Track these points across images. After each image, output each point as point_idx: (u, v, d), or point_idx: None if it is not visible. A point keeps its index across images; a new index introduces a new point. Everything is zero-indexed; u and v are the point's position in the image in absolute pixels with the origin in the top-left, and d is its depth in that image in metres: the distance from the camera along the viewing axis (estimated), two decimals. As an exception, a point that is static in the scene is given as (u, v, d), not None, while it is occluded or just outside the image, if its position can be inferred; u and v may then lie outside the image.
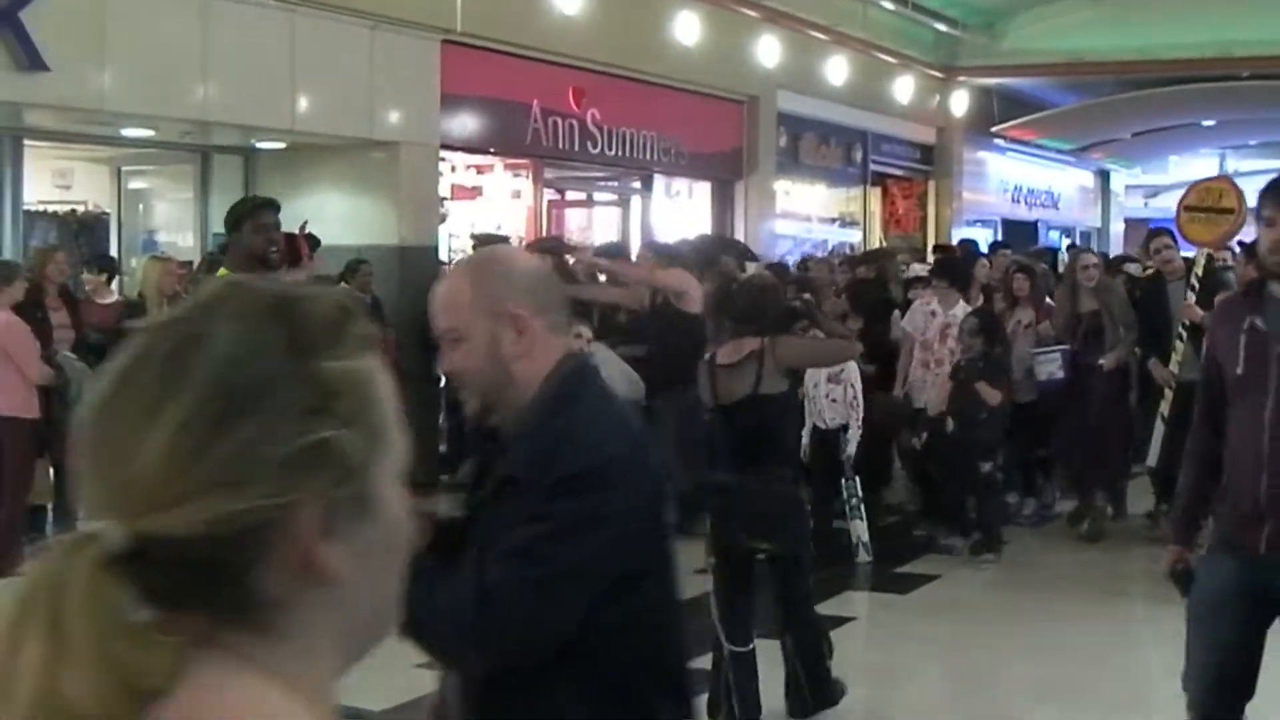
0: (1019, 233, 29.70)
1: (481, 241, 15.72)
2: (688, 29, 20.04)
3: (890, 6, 24.40)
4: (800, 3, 22.27)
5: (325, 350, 1.42)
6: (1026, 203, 32.98)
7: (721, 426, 8.74)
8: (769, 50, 21.85)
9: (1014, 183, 32.43)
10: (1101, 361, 13.80)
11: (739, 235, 21.87)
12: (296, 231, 14.76)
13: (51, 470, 12.45)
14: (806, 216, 25.59)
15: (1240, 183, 15.19)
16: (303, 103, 15.08)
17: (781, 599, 8.63)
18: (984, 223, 30.53)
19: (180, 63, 13.86)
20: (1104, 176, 37.59)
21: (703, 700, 8.43)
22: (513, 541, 3.45)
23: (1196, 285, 13.01)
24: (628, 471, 3.55)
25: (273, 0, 14.48)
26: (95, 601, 1.30)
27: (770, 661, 8.53)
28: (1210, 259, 13.57)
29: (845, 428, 12.81)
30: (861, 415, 12.76)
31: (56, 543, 1.33)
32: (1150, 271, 15.02)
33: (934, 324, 14.02)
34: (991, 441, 12.98)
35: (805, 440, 12.73)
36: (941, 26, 26.53)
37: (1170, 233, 14.19)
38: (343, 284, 14.83)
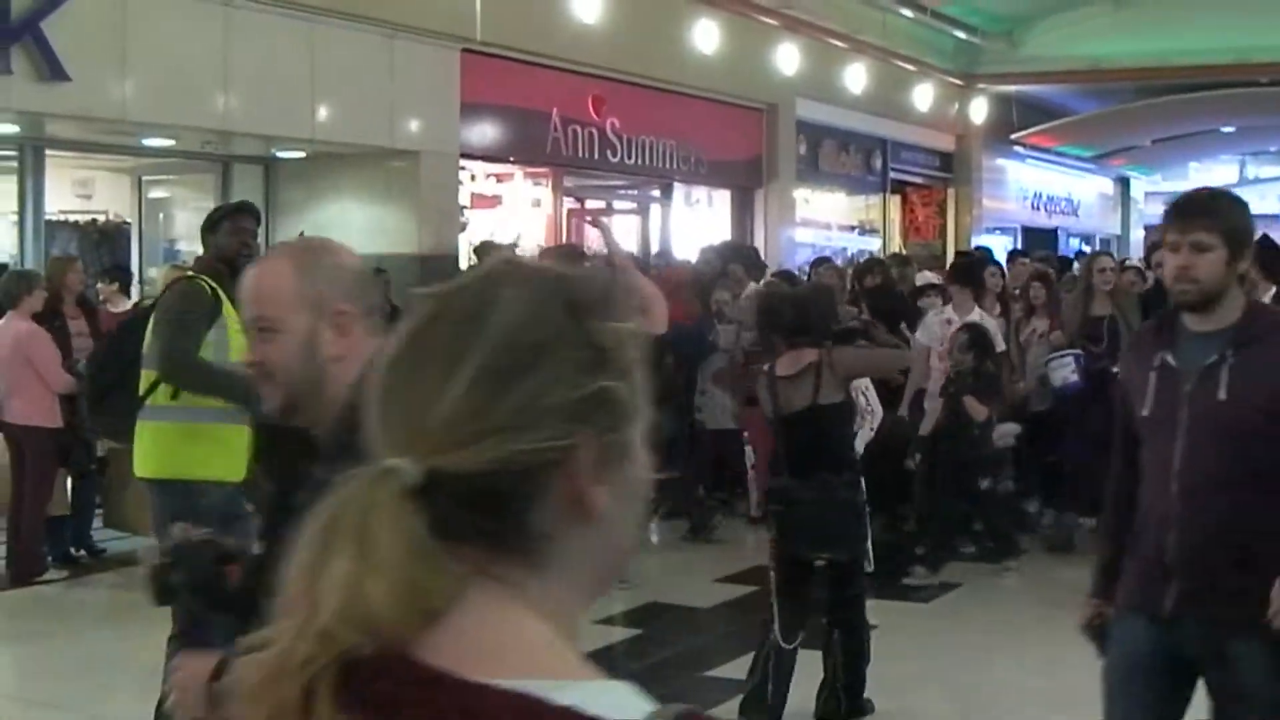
0: (1039, 240, 29.66)
1: (483, 250, 15.75)
2: (707, 37, 20.05)
3: (909, 14, 24.40)
4: (819, 11, 22.29)
5: (599, 313, 1.59)
6: (1046, 210, 32.94)
7: (782, 437, 8.81)
8: (788, 58, 21.85)
9: (1033, 190, 32.40)
10: (1116, 369, 13.60)
11: (759, 243, 21.87)
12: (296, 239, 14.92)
13: (70, 480, 12.51)
14: (826, 224, 25.61)
15: (1261, 189, 15.11)
16: (323, 112, 15.12)
17: (834, 600, 8.68)
18: (1003, 230, 30.49)
19: (201, 72, 13.91)
20: (1124, 183, 37.55)
21: (735, 700, 8.51)
22: None
23: None
24: None
25: (293, 10, 14.52)
26: (397, 525, 1.46)
27: (803, 672, 8.54)
28: None
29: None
30: (877, 421, 12.35)
31: (358, 474, 1.50)
32: (1148, 284, 14.80)
33: (950, 332, 13.53)
34: (983, 457, 12.63)
35: None
36: (961, 34, 26.54)
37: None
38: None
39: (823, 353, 8.65)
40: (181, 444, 7.76)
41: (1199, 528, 5.13)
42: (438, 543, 1.48)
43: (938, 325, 13.48)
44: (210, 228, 8.35)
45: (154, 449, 7.85)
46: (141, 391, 7.89)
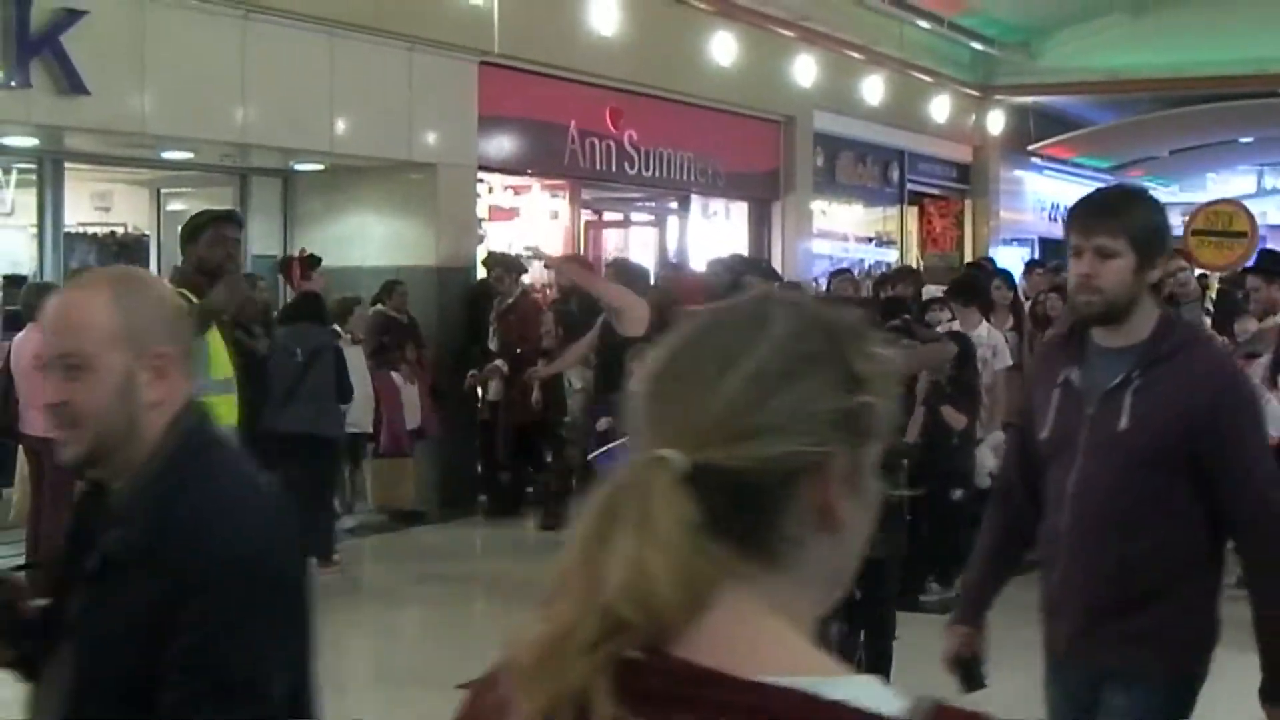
0: (1056, 251, 29.60)
1: (494, 263, 15.75)
2: (724, 50, 20.06)
3: (926, 26, 24.38)
4: (836, 23, 22.28)
5: (857, 341, 1.70)
6: (1063, 221, 32.88)
7: None
8: (805, 70, 21.86)
9: (1051, 201, 32.34)
10: None
11: (775, 255, 21.91)
12: (295, 255, 15.00)
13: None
14: (843, 236, 25.60)
15: (1277, 201, 15.01)
16: (341, 125, 15.14)
17: (865, 600, 8.68)
18: (1021, 241, 30.48)
19: (219, 85, 13.94)
20: (1141, 195, 37.47)
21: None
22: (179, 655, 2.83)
23: (1212, 309, 12.65)
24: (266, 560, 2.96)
25: (312, 23, 14.54)
26: (675, 509, 1.55)
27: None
28: (1221, 281, 13.21)
29: None
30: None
31: (634, 461, 1.60)
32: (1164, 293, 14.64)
33: None
34: (964, 469, 12.26)
35: None
36: (978, 45, 26.52)
37: (1184, 251, 13.63)
38: (378, 305, 14.92)
39: None
40: None
41: (1085, 565, 4.69)
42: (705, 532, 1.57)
43: None
44: (190, 237, 7.87)
45: None
46: None
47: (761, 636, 1.59)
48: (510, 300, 15.23)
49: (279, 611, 2.98)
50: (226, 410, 7.41)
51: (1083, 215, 4.66)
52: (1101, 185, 5.18)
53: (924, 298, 15.17)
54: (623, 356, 12.74)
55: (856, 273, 21.48)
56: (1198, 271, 13.39)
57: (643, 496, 1.56)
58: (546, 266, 15.41)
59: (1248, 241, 14.08)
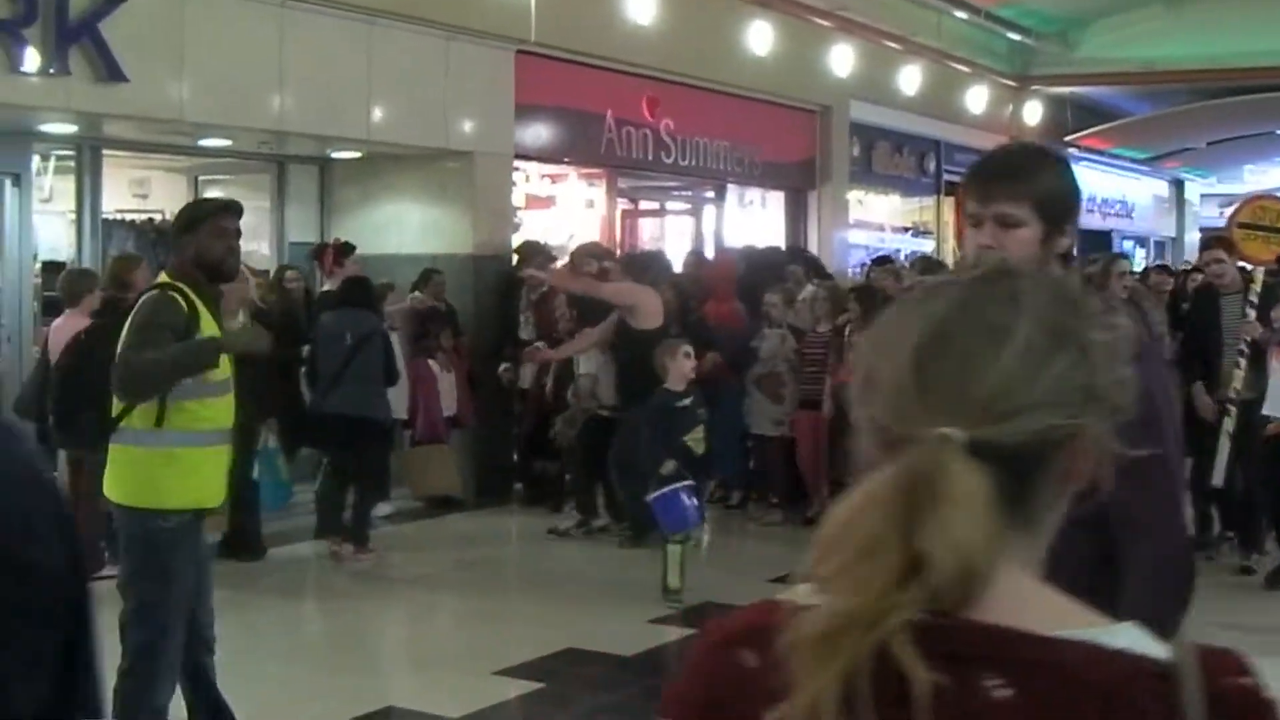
0: (1093, 243, 29.55)
1: (524, 250, 15.74)
2: (761, 39, 20.03)
3: (964, 16, 24.33)
4: (873, 12, 22.24)
5: (1093, 313, 1.76)
6: (1100, 212, 32.79)
7: None
8: (842, 60, 21.83)
9: (1088, 192, 32.19)
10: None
11: (812, 245, 21.89)
12: (330, 243, 15.04)
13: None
14: (879, 226, 25.53)
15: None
16: (378, 113, 15.16)
17: None
18: (1057, 232, 30.38)
19: (257, 73, 13.98)
20: (1179, 186, 37.36)
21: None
22: None
23: (1256, 301, 12.47)
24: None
25: (349, 11, 14.57)
26: (972, 482, 1.61)
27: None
28: (1267, 274, 12.92)
29: None
30: None
31: (916, 440, 1.64)
32: (1199, 282, 14.37)
33: None
34: None
35: None
36: (1015, 36, 26.46)
37: (1226, 242, 13.49)
38: (415, 292, 14.94)
39: None
40: (156, 470, 7.02)
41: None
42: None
43: None
44: (187, 227, 7.29)
45: (128, 474, 7.11)
46: (115, 413, 7.12)
47: (1036, 595, 1.69)
48: (543, 290, 15.17)
49: (19, 604, 2.53)
50: (224, 411, 7.24)
51: (981, 179, 3.99)
52: (1004, 145, 4.29)
53: None
54: (643, 352, 12.72)
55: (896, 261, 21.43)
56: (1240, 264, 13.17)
57: (940, 473, 1.61)
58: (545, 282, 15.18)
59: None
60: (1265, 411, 11.86)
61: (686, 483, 11.45)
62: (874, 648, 1.57)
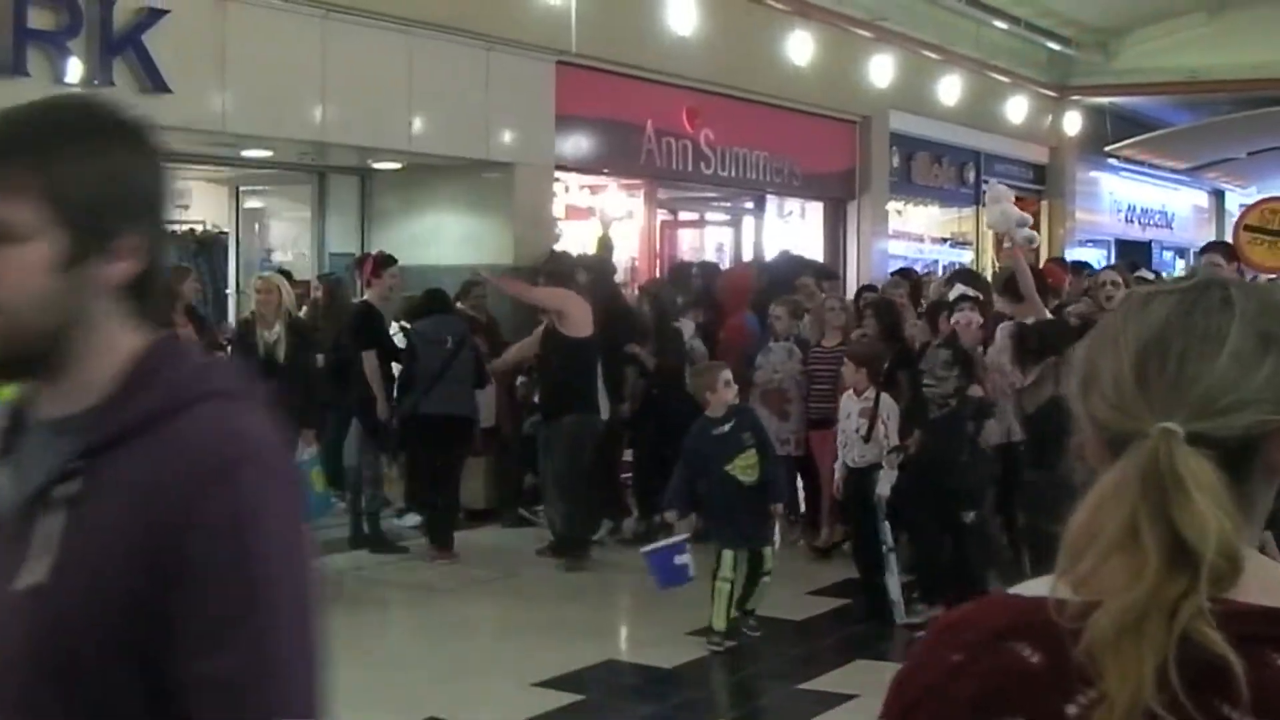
0: (1133, 253, 29.46)
1: (553, 259, 15.63)
2: (800, 49, 20.02)
3: (1003, 26, 24.27)
4: (913, 22, 22.24)
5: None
6: (1140, 223, 32.72)
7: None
8: (881, 70, 21.82)
9: (1127, 202, 32.19)
10: None
11: (850, 255, 21.94)
12: (370, 254, 15.06)
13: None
14: (919, 237, 25.54)
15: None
16: (419, 123, 15.20)
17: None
18: (1096, 243, 30.33)
19: (299, 84, 14.03)
20: (1219, 196, 37.21)
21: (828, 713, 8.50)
22: None
23: None
24: None
25: (391, 22, 14.61)
26: (1207, 471, 1.72)
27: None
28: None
29: (878, 466, 11.63)
30: (899, 455, 11.56)
31: (1144, 435, 1.74)
32: None
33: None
34: (975, 489, 11.37)
35: (837, 478, 12.25)
36: (1054, 45, 26.40)
37: (1224, 247, 12.86)
38: (457, 303, 14.96)
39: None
40: None
41: None
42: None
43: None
44: None
45: None
46: None
47: (1275, 575, 1.78)
48: None
49: None
50: None
51: None
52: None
53: (950, 297, 13.31)
54: (571, 360, 12.62)
55: (925, 272, 21.24)
56: (1247, 274, 12.70)
57: (1179, 464, 1.72)
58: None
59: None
60: None
61: (680, 539, 10.86)
62: (1179, 635, 1.65)
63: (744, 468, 10.81)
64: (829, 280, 16.91)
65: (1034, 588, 1.80)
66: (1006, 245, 14.59)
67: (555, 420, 13.24)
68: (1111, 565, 1.69)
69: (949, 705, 1.78)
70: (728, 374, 11.18)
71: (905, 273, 18.20)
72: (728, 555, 10.73)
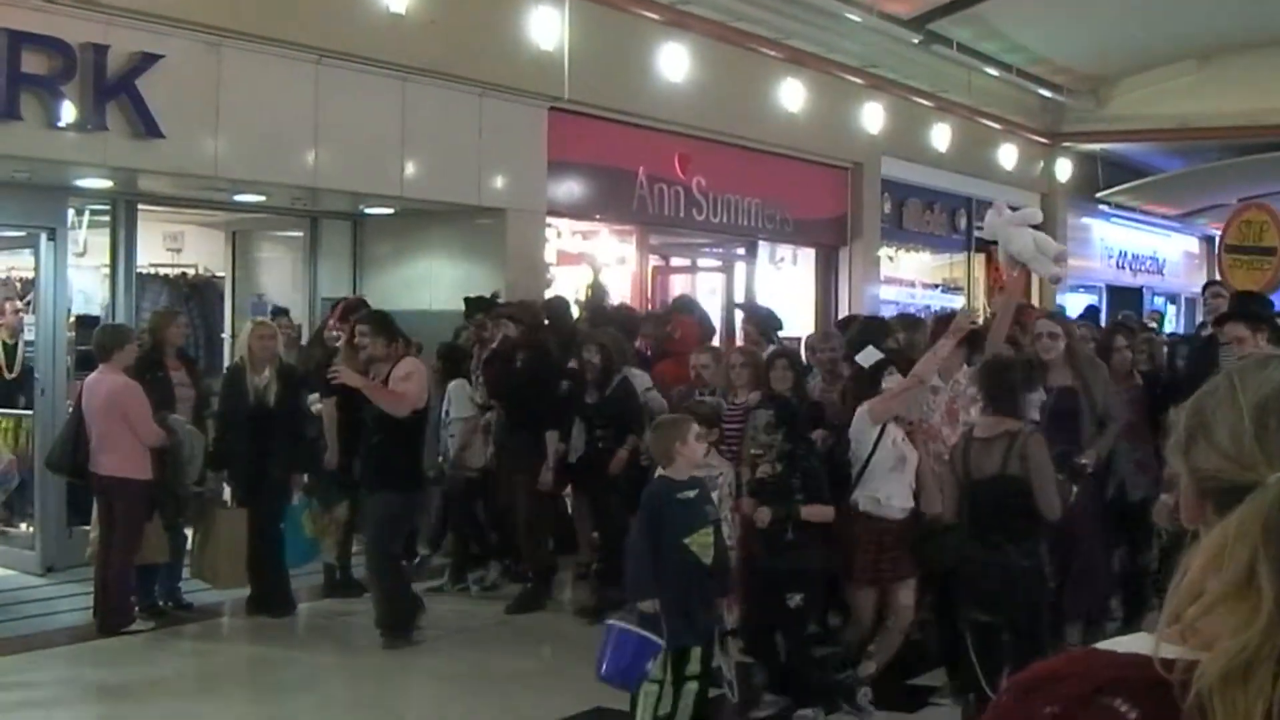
0: (1124, 299, 29.50)
1: (549, 302, 15.48)
2: (792, 96, 20.10)
3: (995, 73, 24.34)
4: (905, 70, 22.32)
5: None
6: (1131, 269, 32.76)
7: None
8: (873, 117, 21.90)
9: (1119, 248, 32.23)
10: (1083, 460, 11.18)
11: (842, 300, 21.95)
12: (345, 298, 14.97)
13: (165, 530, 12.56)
14: (910, 282, 25.55)
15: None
16: (411, 169, 15.24)
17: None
18: (1088, 289, 30.35)
19: (292, 130, 14.08)
20: (1210, 242, 37.25)
21: None
22: None
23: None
24: None
25: (383, 69, 14.66)
26: None
27: None
28: None
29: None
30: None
31: (1267, 484, 1.79)
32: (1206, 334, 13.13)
33: (937, 400, 11.09)
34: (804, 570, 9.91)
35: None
36: (1046, 92, 26.47)
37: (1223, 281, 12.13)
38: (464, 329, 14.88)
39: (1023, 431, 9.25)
40: None
41: None
42: None
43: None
44: None
45: None
46: None
47: None
48: (493, 347, 14.24)
49: None
50: None
51: None
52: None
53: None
54: (398, 434, 11.83)
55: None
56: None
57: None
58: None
59: (1276, 260, 13.51)
60: None
61: (654, 641, 8.57)
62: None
63: (702, 545, 8.86)
64: (773, 324, 15.32)
65: (1128, 644, 1.83)
66: (1002, 290, 13.71)
67: (383, 491, 12.07)
68: (1221, 613, 1.73)
69: None
70: (698, 427, 9.20)
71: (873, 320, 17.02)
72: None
